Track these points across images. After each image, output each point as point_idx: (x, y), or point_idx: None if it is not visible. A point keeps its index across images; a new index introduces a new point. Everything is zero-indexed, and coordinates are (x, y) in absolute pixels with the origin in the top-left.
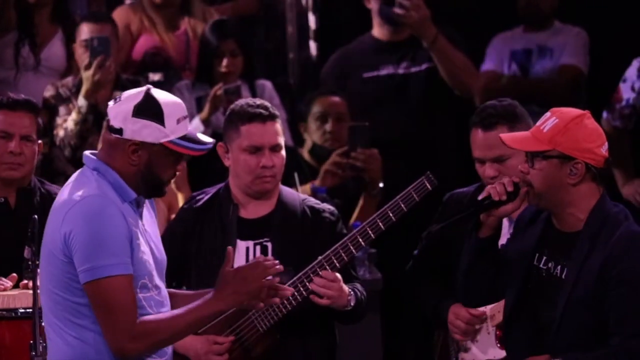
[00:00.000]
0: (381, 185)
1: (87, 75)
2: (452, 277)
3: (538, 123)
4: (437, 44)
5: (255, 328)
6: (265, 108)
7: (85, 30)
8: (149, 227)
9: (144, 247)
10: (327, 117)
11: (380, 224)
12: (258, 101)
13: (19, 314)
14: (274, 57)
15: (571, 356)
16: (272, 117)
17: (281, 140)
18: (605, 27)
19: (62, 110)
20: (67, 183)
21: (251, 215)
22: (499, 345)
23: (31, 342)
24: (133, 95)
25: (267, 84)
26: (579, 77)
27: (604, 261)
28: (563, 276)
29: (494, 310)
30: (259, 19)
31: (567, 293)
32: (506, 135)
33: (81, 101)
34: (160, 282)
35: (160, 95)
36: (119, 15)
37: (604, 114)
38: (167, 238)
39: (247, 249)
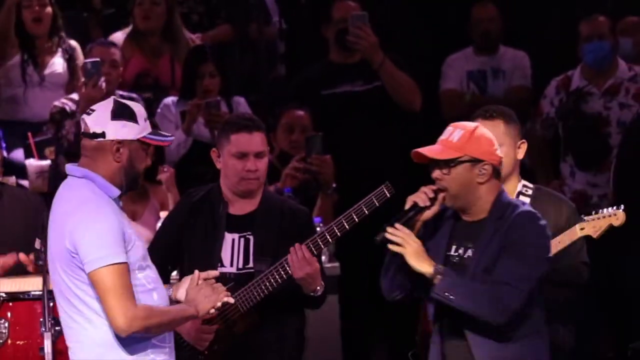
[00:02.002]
0: (334, 185)
1: (82, 94)
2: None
3: (443, 137)
4: (384, 66)
5: (237, 308)
6: (252, 120)
7: (94, 54)
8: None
9: (133, 235)
10: (293, 128)
11: (345, 224)
12: (247, 115)
13: (31, 295)
14: (247, 77)
15: (450, 274)
16: (257, 128)
17: (265, 148)
18: (529, 51)
19: (67, 123)
20: (59, 193)
21: (238, 212)
22: None
23: (41, 319)
24: (104, 104)
25: (242, 100)
26: (529, 95)
27: (504, 235)
28: (470, 255)
29: None
30: (233, 45)
31: (472, 268)
32: (423, 149)
33: (79, 116)
34: (150, 262)
35: (127, 101)
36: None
37: (527, 125)
38: (167, 226)
39: (233, 240)
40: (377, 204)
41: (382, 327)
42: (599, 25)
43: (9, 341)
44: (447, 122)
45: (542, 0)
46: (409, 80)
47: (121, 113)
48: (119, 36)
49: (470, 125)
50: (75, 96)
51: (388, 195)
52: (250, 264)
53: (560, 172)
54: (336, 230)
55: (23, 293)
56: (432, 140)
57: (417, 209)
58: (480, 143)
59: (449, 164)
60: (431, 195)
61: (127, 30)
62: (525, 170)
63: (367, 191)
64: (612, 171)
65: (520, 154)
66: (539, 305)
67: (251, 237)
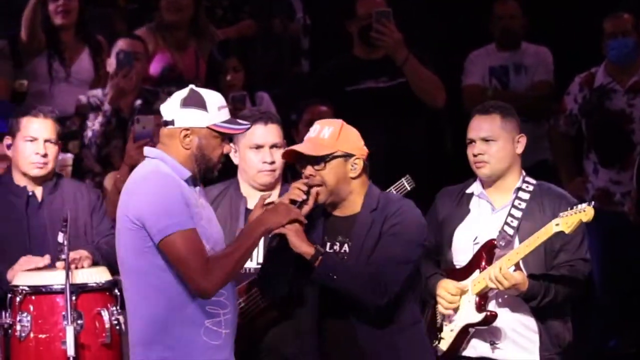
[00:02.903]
0: None
1: (112, 83)
2: (441, 255)
3: (313, 135)
4: (407, 63)
5: (257, 303)
6: (267, 113)
7: (120, 44)
8: (207, 207)
9: (201, 218)
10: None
11: None
12: (262, 109)
13: (54, 289)
14: (271, 72)
15: (332, 255)
16: (272, 121)
17: (281, 140)
18: (553, 47)
19: (91, 116)
20: (133, 172)
21: None
22: (477, 310)
23: (64, 313)
24: (179, 92)
25: (265, 95)
26: (551, 91)
27: (382, 225)
28: (347, 250)
29: (474, 281)
30: (257, 40)
31: (353, 261)
32: (297, 146)
33: (106, 106)
34: (220, 246)
35: (202, 90)
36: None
37: (550, 122)
38: None
39: None
40: None
41: None
42: (623, 22)
43: (32, 334)
44: (469, 118)
45: None
46: (433, 77)
47: (192, 101)
48: (143, 31)
49: (337, 121)
50: (99, 91)
51: (408, 188)
52: None
53: (584, 169)
54: None
55: (45, 287)
56: (455, 136)
57: (295, 204)
58: (349, 139)
59: (324, 159)
60: (304, 189)
61: (152, 25)
62: (548, 167)
63: (389, 187)
64: (636, 168)
65: (520, 149)
66: (416, 299)
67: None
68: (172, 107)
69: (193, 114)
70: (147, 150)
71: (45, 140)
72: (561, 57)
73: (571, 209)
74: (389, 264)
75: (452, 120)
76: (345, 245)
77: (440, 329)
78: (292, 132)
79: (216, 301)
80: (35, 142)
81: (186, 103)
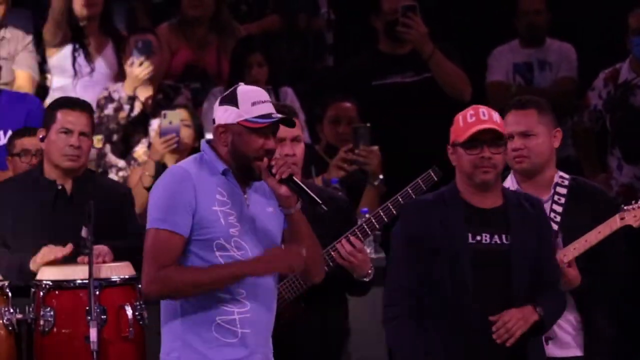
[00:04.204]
0: (381, 177)
1: (129, 71)
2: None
3: (485, 117)
4: (434, 57)
5: (283, 298)
6: (287, 107)
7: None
8: (253, 202)
9: (223, 212)
10: (340, 120)
11: (392, 208)
12: (282, 103)
13: (77, 284)
14: (295, 67)
15: (546, 303)
16: (291, 114)
17: (299, 134)
18: (577, 43)
19: (108, 107)
20: None
21: None
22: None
23: (87, 308)
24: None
25: (289, 90)
26: (575, 87)
27: (536, 227)
28: (505, 242)
29: None
30: (282, 35)
31: (518, 257)
32: (491, 125)
33: (122, 92)
34: (249, 246)
35: (242, 86)
36: (161, 33)
37: (575, 118)
38: None
39: None
40: (424, 188)
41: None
42: None
43: (55, 329)
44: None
45: None
46: (458, 71)
47: (226, 98)
48: (164, 27)
49: (488, 107)
50: (120, 85)
51: (435, 179)
52: None
53: (608, 165)
54: (383, 215)
55: (69, 281)
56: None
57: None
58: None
59: (505, 142)
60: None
61: (174, 21)
62: (572, 162)
63: (416, 179)
64: None
65: (556, 143)
66: None
67: None
68: (215, 105)
69: (225, 111)
70: (202, 143)
71: (80, 133)
72: (586, 52)
73: (635, 202)
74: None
75: None
76: (496, 237)
77: None
78: (317, 128)
79: (230, 299)
80: (70, 135)
81: (222, 101)
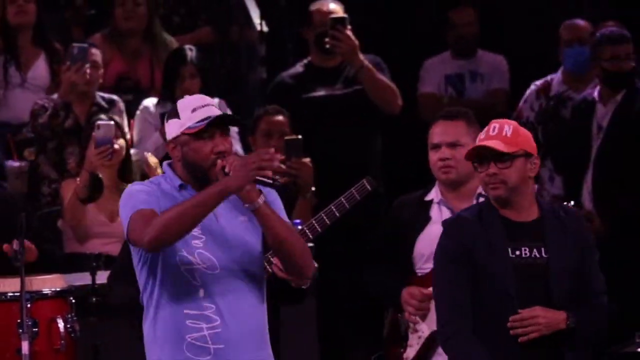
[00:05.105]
0: (313, 189)
1: (65, 77)
2: (405, 261)
3: (494, 133)
4: (363, 69)
5: None
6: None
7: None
8: (223, 214)
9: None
10: (272, 134)
11: (325, 219)
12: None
13: (9, 297)
14: (228, 79)
15: (582, 314)
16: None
17: (230, 147)
18: (508, 55)
19: (42, 117)
20: None
21: None
22: None
23: (19, 320)
24: None
25: (221, 102)
26: (507, 99)
27: (576, 236)
28: (544, 255)
29: None
30: (214, 47)
31: (557, 269)
32: (490, 142)
33: (57, 100)
34: (217, 258)
35: (184, 98)
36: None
37: None
38: None
39: None
40: (358, 197)
41: (359, 329)
42: (580, 30)
43: None
44: (425, 126)
45: (522, 4)
46: (388, 83)
47: (170, 113)
48: (97, 38)
49: (511, 121)
50: (55, 97)
51: (369, 188)
52: None
53: (540, 177)
54: (316, 226)
55: (0, 294)
56: (412, 144)
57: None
58: (527, 138)
59: (503, 158)
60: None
61: (106, 32)
62: None
63: (350, 189)
64: (590, 176)
65: None
66: None
67: None
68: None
69: (171, 124)
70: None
71: None
72: (517, 64)
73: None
74: (603, 290)
75: (408, 128)
76: (535, 250)
77: (405, 337)
78: (249, 140)
79: (198, 315)
80: None
81: (167, 117)
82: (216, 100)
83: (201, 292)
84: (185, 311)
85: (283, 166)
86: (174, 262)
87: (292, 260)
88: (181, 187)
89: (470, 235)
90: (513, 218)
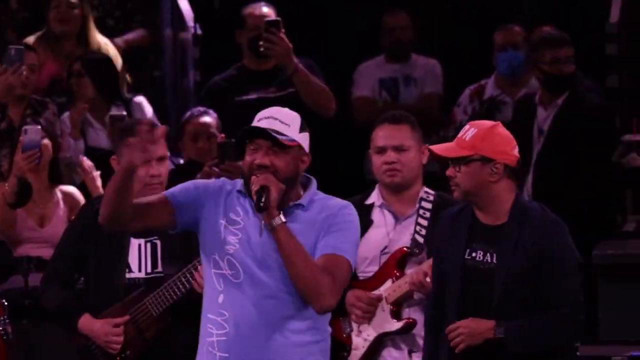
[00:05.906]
0: None
1: (1, 79)
2: None
3: (460, 135)
4: (297, 72)
5: (149, 312)
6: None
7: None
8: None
9: (228, 229)
10: (198, 136)
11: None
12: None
13: None
14: (161, 82)
15: (517, 324)
16: None
17: (165, 153)
18: (442, 59)
19: None
20: None
21: None
22: (394, 319)
23: None
24: None
25: (143, 100)
26: (441, 103)
27: (533, 245)
28: (494, 261)
29: (388, 290)
30: (148, 49)
31: (502, 276)
32: (434, 147)
33: None
34: (243, 269)
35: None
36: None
37: (440, 133)
38: (71, 234)
39: (139, 245)
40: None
41: None
42: (514, 35)
43: None
44: (359, 129)
45: (456, 8)
46: (322, 87)
47: None
48: (31, 40)
49: (486, 123)
50: None
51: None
52: (159, 268)
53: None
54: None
55: None
56: (345, 147)
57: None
58: (493, 142)
59: (459, 162)
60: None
61: (40, 34)
62: (437, 178)
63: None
64: (530, 179)
65: (425, 159)
66: None
67: (158, 242)
68: None
69: None
70: None
71: None
72: (451, 68)
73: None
74: (569, 302)
75: (341, 131)
76: (488, 256)
77: (349, 340)
78: (178, 144)
79: (214, 320)
80: None
81: None
82: (140, 98)
83: (220, 298)
84: (208, 315)
85: (216, 169)
86: (209, 264)
87: (302, 294)
88: (239, 192)
89: (441, 232)
90: (482, 220)
